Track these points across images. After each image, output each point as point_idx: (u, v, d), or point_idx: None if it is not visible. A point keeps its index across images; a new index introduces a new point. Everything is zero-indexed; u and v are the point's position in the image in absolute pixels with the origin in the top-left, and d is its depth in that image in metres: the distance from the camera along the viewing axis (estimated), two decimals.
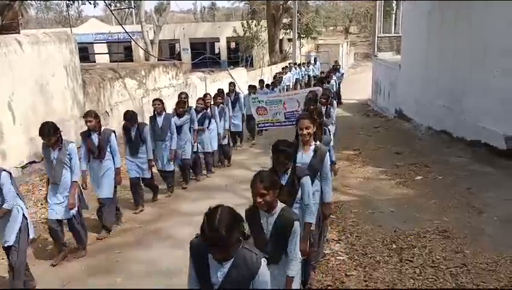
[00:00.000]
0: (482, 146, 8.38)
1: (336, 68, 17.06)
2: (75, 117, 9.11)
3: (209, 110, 8.24)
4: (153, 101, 7.16)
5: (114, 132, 5.80)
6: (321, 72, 20.15)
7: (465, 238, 5.10)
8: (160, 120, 6.99)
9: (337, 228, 5.63)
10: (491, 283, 4.13)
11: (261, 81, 13.32)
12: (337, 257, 4.83)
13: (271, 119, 8.07)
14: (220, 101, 8.71)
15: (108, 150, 5.62)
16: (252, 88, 11.04)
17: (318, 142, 4.12)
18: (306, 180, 3.54)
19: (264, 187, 2.72)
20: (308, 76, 21.10)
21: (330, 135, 5.73)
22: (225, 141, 8.85)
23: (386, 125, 13.38)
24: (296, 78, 19.47)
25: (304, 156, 3.98)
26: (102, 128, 5.67)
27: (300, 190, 3.52)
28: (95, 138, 5.56)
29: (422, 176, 7.68)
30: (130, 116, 6.34)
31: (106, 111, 10.30)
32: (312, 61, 23.77)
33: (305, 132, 3.94)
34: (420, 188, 7.07)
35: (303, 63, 22.59)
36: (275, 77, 16.09)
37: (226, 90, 10.31)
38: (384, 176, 7.92)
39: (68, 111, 9.06)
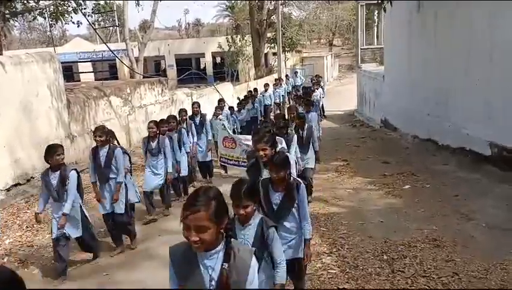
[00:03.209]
0: (468, 153, 8.47)
1: (318, 82, 16.79)
2: (60, 137, 9.00)
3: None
4: (149, 123, 6.79)
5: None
6: (305, 88, 19.10)
7: (455, 246, 5.12)
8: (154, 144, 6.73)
9: (328, 241, 5.60)
10: None
11: (221, 101, 10.84)
12: (329, 271, 4.80)
13: (237, 156, 7.15)
14: (165, 129, 7.06)
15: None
16: (219, 108, 9.77)
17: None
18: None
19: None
20: (293, 88, 20.88)
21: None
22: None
23: (373, 135, 13.49)
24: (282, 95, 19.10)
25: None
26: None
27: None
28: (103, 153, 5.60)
29: (410, 185, 7.72)
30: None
31: (91, 130, 10.18)
32: (293, 75, 23.58)
33: (261, 153, 3.84)
34: (408, 197, 7.11)
35: (278, 78, 19.73)
36: (246, 96, 13.71)
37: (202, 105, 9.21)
38: (372, 186, 7.95)
39: (53, 131, 8.95)
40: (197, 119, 8.56)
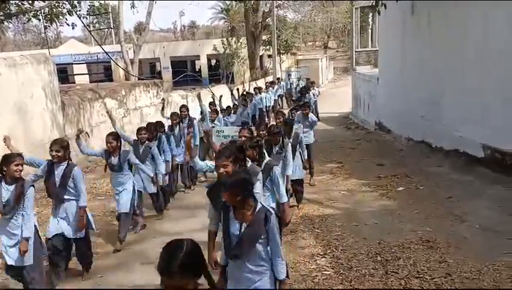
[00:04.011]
0: (461, 155, 8.54)
1: (308, 88, 16.65)
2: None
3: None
4: (107, 137, 5.79)
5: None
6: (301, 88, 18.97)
7: (449, 247, 5.16)
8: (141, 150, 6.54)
9: (322, 242, 5.62)
10: None
11: (212, 104, 10.21)
12: (323, 272, 4.82)
13: None
14: (145, 136, 6.57)
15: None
16: (215, 112, 9.17)
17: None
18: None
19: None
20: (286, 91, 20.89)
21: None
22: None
23: (367, 137, 13.55)
24: (279, 95, 19.14)
25: None
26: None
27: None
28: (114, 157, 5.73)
29: (404, 187, 7.77)
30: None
31: (86, 132, 10.16)
32: (286, 77, 23.48)
33: (221, 170, 3.45)
34: (402, 199, 7.15)
35: (270, 83, 19.39)
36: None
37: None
38: (367, 188, 7.98)
39: (47, 133, 8.93)
40: (186, 123, 8.20)
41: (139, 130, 6.60)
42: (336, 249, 5.40)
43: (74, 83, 20.41)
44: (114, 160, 5.76)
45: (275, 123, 7.04)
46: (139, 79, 17.45)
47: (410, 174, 8.40)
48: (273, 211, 3.03)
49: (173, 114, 8.20)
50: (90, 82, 21.04)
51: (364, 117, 16.74)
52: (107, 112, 7.58)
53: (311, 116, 8.42)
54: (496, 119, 7.52)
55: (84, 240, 4.97)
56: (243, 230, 2.90)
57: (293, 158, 6.21)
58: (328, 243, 5.58)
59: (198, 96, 9.24)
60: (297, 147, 6.67)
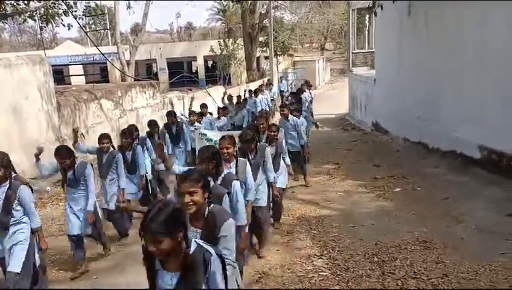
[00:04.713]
0: (458, 156, 8.54)
1: (308, 84, 16.58)
2: (50, 140, 8.92)
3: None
4: (56, 151, 4.96)
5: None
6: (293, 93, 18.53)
7: (445, 248, 5.16)
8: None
9: (319, 243, 5.61)
10: None
11: (204, 106, 10.08)
12: (320, 273, 4.80)
13: None
14: (106, 145, 5.80)
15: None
16: (195, 114, 8.90)
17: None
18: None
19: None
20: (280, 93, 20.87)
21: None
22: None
23: (364, 138, 13.55)
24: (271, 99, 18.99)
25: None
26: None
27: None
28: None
29: (400, 188, 7.77)
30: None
31: (82, 133, 10.13)
32: (278, 81, 23.39)
33: (224, 151, 3.91)
34: (399, 200, 7.15)
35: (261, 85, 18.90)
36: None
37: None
38: (364, 189, 7.98)
39: (43, 134, 8.88)
40: (173, 129, 7.95)
41: (101, 137, 5.81)
42: (333, 250, 5.38)
43: (70, 84, 20.30)
44: (70, 175, 4.98)
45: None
46: (135, 80, 17.40)
47: (407, 175, 8.41)
48: (213, 252, 2.27)
49: (169, 113, 8.01)
50: (86, 83, 20.93)
51: (361, 118, 16.75)
52: (73, 130, 6.64)
53: (292, 118, 7.90)
54: (494, 120, 7.50)
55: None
56: (174, 284, 2.22)
57: (278, 167, 5.92)
58: (325, 244, 5.57)
59: (191, 102, 9.17)
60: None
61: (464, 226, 5.81)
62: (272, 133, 6.08)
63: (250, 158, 5.05)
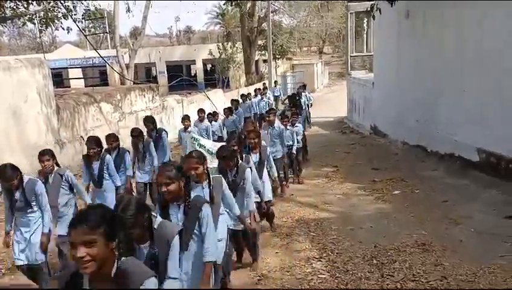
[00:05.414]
0: (456, 159, 8.56)
1: (304, 86, 16.40)
2: (49, 143, 8.93)
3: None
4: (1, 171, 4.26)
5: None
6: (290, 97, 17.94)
7: (444, 250, 5.16)
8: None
9: (317, 246, 5.61)
10: None
11: (201, 111, 9.72)
12: (319, 275, 4.80)
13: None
14: (48, 163, 4.76)
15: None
16: (186, 119, 8.45)
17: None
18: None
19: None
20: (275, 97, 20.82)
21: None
22: None
23: (362, 141, 13.57)
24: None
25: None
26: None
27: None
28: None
29: (399, 191, 7.78)
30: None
31: (81, 136, 10.14)
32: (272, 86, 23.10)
33: (192, 173, 3.36)
34: (398, 203, 7.15)
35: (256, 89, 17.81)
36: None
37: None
38: (362, 191, 7.99)
39: (42, 137, 8.89)
40: (153, 136, 7.19)
41: (41, 154, 4.74)
42: (332, 252, 5.38)
43: (69, 87, 20.32)
44: (18, 196, 4.28)
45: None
46: (134, 83, 17.42)
47: (406, 178, 8.42)
48: (151, 272, 2.00)
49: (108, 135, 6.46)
50: (85, 86, 20.98)
51: (359, 121, 16.78)
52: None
53: (278, 125, 7.57)
54: (492, 124, 7.53)
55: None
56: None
57: (260, 174, 5.40)
58: (324, 247, 5.57)
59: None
60: (265, 163, 5.76)
61: (462, 228, 5.82)
62: (252, 141, 5.61)
63: (230, 178, 4.41)
